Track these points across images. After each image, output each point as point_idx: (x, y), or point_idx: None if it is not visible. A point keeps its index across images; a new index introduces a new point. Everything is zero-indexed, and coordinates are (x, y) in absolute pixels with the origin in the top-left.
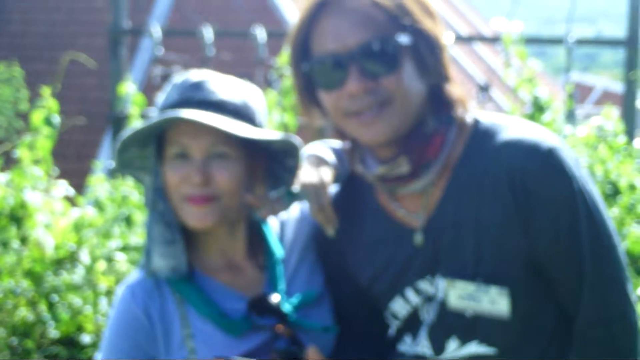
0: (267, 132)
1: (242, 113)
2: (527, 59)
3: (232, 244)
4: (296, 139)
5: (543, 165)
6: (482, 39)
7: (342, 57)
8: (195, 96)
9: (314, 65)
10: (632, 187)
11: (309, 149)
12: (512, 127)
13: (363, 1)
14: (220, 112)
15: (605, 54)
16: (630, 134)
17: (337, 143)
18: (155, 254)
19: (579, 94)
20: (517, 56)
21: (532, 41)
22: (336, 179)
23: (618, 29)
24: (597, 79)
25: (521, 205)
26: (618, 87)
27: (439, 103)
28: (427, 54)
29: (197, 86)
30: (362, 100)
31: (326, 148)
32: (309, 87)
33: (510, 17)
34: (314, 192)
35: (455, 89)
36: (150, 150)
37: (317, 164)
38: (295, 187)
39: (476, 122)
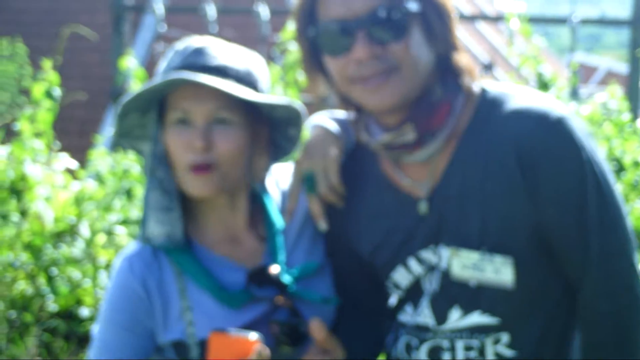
0: (271, 96)
1: (245, 79)
2: (531, 37)
3: (232, 215)
4: (299, 106)
5: (552, 134)
6: (486, 18)
7: (350, 22)
8: (197, 61)
9: (320, 31)
10: (636, 164)
11: (314, 120)
12: (520, 96)
13: None
14: (223, 77)
15: (608, 35)
16: (634, 112)
17: (342, 114)
18: (150, 220)
19: (583, 74)
20: (521, 34)
21: (535, 20)
22: (342, 151)
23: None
24: (600, 60)
25: (528, 174)
26: (621, 67)
27: (446, 72)
28: (436, 21)
29: (200, 52)
30: (369, 67)
31: (331, 119)
32: (315, 53)
33: None
34: (322, 171)
35: (463, 58)
36: (151, 117)
37: (324, 137)
38: (309, 173)
39: (483, 92)
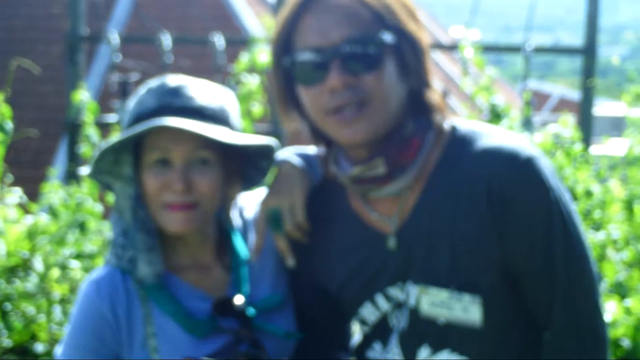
0: (249, 137)
1: (220, 117)
2: (485, 67)
3: (201, 246)
4: (273, 142)
5: (521, 174)
6: (441, 47)
7: (325, 51)
8: (174, 102)
9: (295, 60)
10: (588, 194)
11: (280, 155)
12: (490, 134)
13: None
14: (200, 118)
15: (562, 62)
16: (586, 141)
17: (310, 149)
18: (140, 262)
19: (536, 101)
20: (474, 64)
21: (490, 49)
22: (308, 187)
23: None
24: (554, 87)
25: (497, 213)
26: (574, 94)
27: (418, 107)
28: (410, 56)
29: (175, 92)
30: (341, 96)
31: (297, 154)
32: (290, 86)
33: (468, 25)
34: (289, 208)
35: (435, 94)
36: (125, 156)
37: (290, 174)
38: (275, 210)
39: (454, 129)
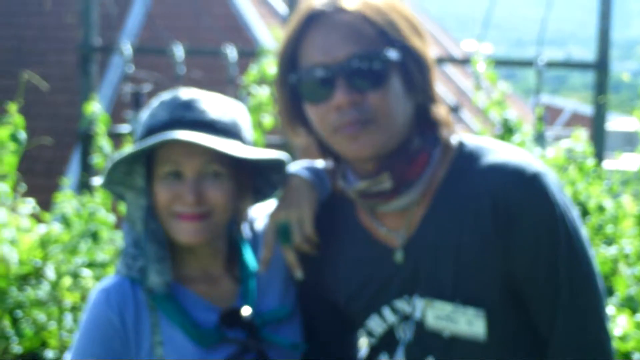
0: (261, 150)
1: (232, 131)
2: (497, 82)
3: (211, 257)
4: (284, 156)
5: (527, 190)
6: (453, 60)
7: (331, 69)
8: (186, 116)
9: (301, 78)
10: (600, 209)
11: (290, 169)
12: (497, 150)
13: (353, 15)
14: (212, 132)
15: (574, 76)
16: (599, 156)
17: (319, 162)
18: (151, 272)
19: (549, 115)
20: (487, 79)
21: (502, 63)
22: (317, 201)
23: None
24: (566, 102)
25: (502, 229)
26: (587, 109)
27: (424, 123)
28: (415, 72)
29: (188, 106)
30: (348, 114)
31: (306, 168)
32: (296, 102)
33: (480, 39)
34: (297, 222)
35: (441, 110)
36: (137, 167)
37: (299, 187)
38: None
39: (461, 144)
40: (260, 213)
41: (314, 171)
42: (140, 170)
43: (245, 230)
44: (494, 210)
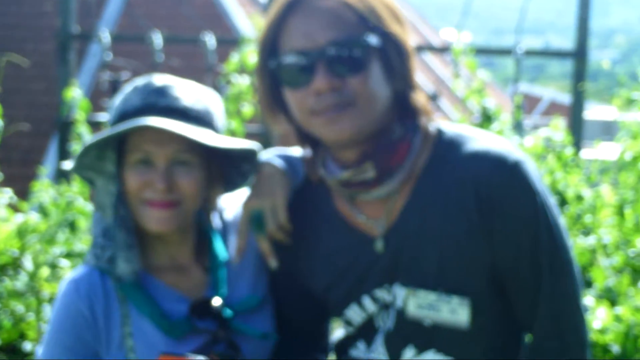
0: (232, 140)
1: (204, 119)
2: (476, 70)
3: (180, 246)
4: (256, 146)
5: (509, 178)
6: (431, 48)
7: (311, 54)
8: (159, 102)
9: (281, 63)
10: (579, 198)
11: (262, 157)
12: (477, 138)
13: (333, 1)
14: (184, 119)
15: (553, 65)
16: (577, 145)
17: (293, 150)
18: (119, 260)
19: (527, 104)
20: (466, 67)
21: (481, 51)
22: (290, 189)
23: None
24: (544, 90)
25: (485, 217)
26: (565, 98)
27: (403, 111)
28: (395, 58)
29: (161, 92)
30: (327, 99)
31: (278, 156)
32: (276, 88)
33: (459, 27)
34: (270, 210)
35: (420, 97)
36: (108, 152)
37: (272, 175)
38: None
39: (440, 132)
40: (230, 203)
41: (286, 158)
42: (112, 156)
43: (215, 219)
44: (477, 199)
